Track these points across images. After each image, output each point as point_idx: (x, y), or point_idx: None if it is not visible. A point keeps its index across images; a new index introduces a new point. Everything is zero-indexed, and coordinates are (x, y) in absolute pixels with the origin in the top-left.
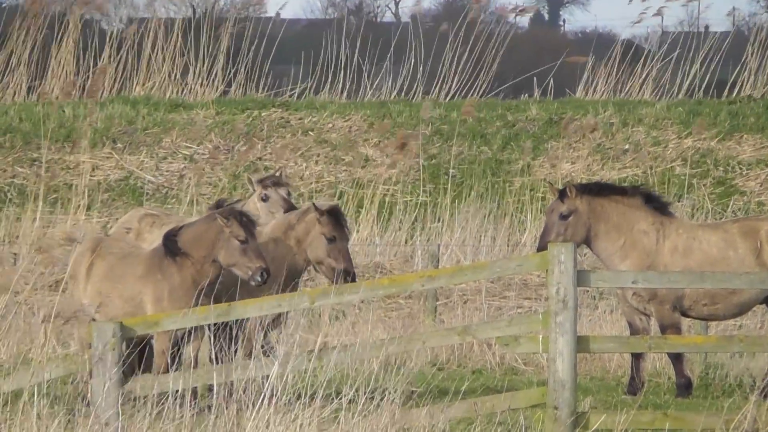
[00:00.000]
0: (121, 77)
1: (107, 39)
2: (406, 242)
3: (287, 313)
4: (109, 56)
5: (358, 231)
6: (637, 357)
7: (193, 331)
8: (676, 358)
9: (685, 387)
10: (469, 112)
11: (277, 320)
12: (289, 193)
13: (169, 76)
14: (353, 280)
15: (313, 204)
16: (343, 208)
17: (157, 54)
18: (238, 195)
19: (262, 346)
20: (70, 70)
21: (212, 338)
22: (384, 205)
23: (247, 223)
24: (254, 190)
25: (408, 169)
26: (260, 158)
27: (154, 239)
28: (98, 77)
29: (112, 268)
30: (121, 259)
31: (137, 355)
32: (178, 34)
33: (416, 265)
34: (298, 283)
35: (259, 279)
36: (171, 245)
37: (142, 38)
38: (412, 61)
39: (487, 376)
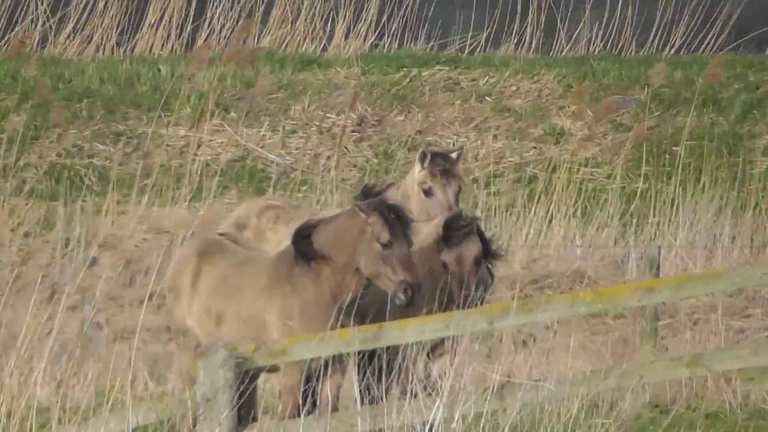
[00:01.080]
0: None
1: None
2: (615, 243)
3: (456, 338)
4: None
5: (549, 227)
6: None
7: (331, 363)
8: None
9: None
10: (714, 76)
11: (442, 347)
12: (459, 191)
13: (306, 23)
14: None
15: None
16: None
17: None
18: (393, 179)
19: (423, 383)
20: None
21: (357, 371)
22: (586, 193)
23: (395, 220)
24: (421, 168)
25: (617, 146)
26: (419, 132)
27: (279, 239)
28: (240, 33)
29: (225, 278)
30: (236, 266)
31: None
32: None
33: (630, 273)
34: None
35: (402, 297)
36: (304, 247)
37: None
38: (619, 3)
39: (725, 421)
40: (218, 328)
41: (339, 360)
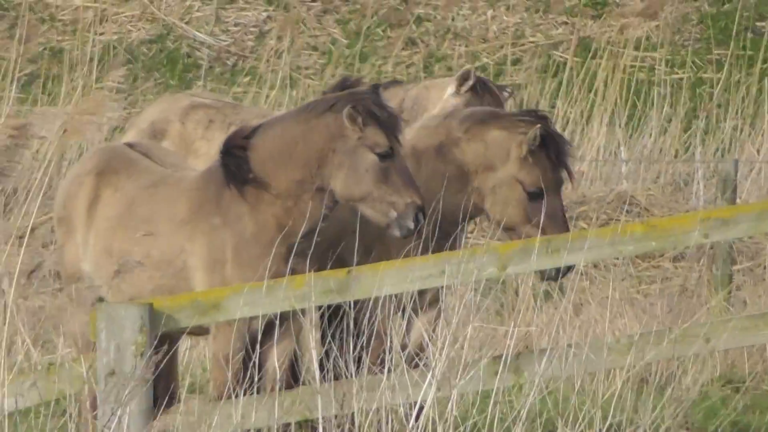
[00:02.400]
0: None
1: None
2: (675, 156)
3: (448, 289)
4: None
5: (584, 133)
6: None
7: (279, 323)
8: None
9: None
10: None
11: (431, 301)
12: (511, 93)
13: None
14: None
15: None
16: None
17: None
18: (374, 71)
19: (409, 352)
20: None
21: (314, 335)
22: (635, 87)
23: (391, 121)
24: (455, 92)
25: (680, 20)
26: (404, 1)
27: (210, 151)
28: None
29: (132, 206)
30: (147, 189)
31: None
32: None
33: (695, 198)
34: (457, 241)
35: (411, 225)
36: (237, 163)
37: None
38: None
39: None
40: (125, 274)
41: (291, 318)
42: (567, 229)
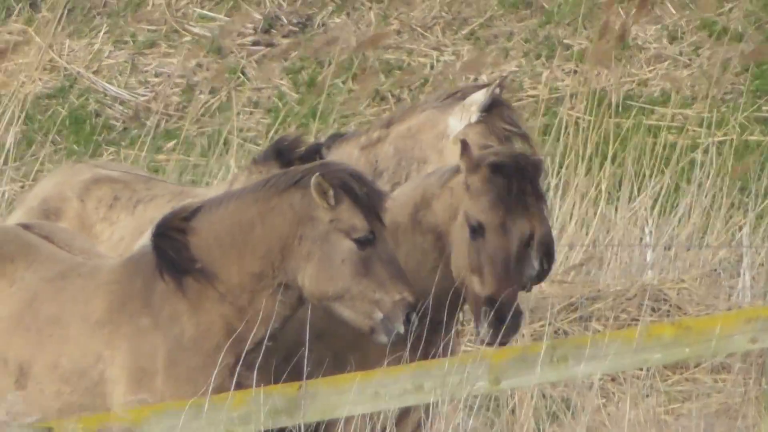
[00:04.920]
0: None
1: None
2: (716, 240)
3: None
4: None
5: (599, 208)
6: None
7: None
8: None
9: None
10: None
11: (413, 427)
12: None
13: None
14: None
15: (463, 141)
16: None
17: None
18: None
19: None
20: None
21: None
22: (663, 151)
23: (373, 197)
24: (477, 115)
25: (718, 66)
26: (371, 41)
27: (118, 238)
28: None
29: (32, 303)
30: (54, 281)
31: None
32: None
33: (740, 293)
34: (449, 330)
35: (401, 328)
36: (176, 247)
37: None
38: None
39: None
40: (22, 389)
41: None
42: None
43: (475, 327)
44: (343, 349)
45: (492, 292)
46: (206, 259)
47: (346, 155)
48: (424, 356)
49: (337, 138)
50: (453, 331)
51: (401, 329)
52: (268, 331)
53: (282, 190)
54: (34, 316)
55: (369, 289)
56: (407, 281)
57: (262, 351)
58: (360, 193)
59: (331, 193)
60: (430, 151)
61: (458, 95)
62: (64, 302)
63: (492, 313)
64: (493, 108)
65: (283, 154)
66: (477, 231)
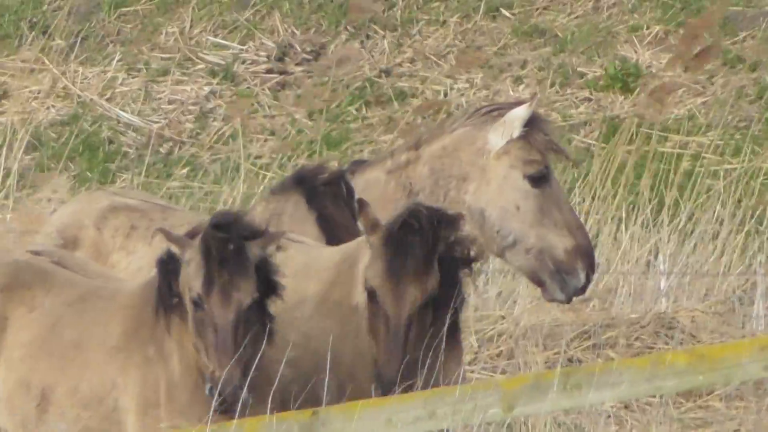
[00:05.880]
0: None
1: None
2: (730, 269)
3: None
4: None
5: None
6: None
7: None
8: None
9: None
10: None
11: None
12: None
13: None
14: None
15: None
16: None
17: None
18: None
19: None
20: None
21: None
22: (676, 178)
23: (225, 256)
24: (519, 131)
25: (732, 95)
26: (384, 72)
27: (136, 268)
28: None
29: (56, 326)
30: (75, 304)
31: None
32: None
33: (754, 320)
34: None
35: (207, 393)
36: (169, 281)
37: None
38: None
39: None
40: (42, 414)
41: None
42: None
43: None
44: (344, 377)
45: (379, 359)
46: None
47: (373, 180)
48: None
49: (360, 164)
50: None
51: (207, 395)
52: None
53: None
54: (58, 340)
55: (199, 350)
56: (227, 354)
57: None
58: (217, 250)
59: (181, 249)
60: (470, 168)
61: (494, 113)
62: (85, 325)
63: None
64: (533, 122)
65: (305, 181)
66: (372, 294)
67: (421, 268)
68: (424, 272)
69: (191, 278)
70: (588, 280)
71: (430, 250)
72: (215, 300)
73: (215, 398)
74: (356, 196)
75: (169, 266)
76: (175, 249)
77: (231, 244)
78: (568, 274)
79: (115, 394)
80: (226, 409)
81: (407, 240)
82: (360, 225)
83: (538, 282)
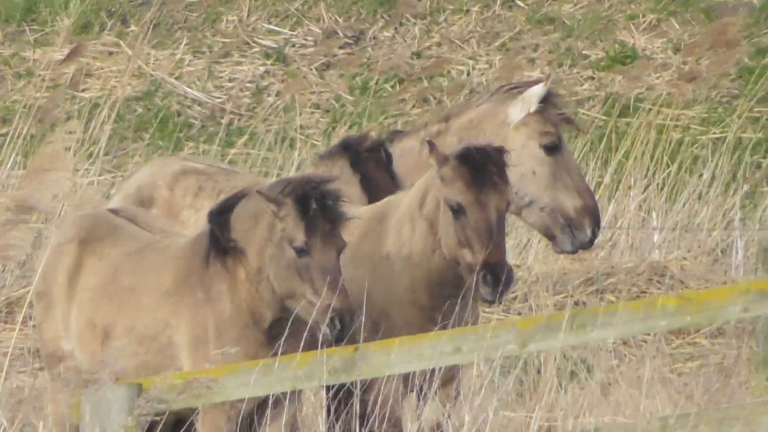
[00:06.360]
0: None
1: None
2: (714, 225)
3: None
4: None
5: (612, 198)
6: None
7: (272, 406)
8: None
9: None
10: None
11: (446, 380)
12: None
13: None
14: (501, 290)
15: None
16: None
17: None
18: (380, 128)
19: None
20: None
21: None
22: (669, 148)
23: (324, 209)
24: (535, 106)
25: (720, 75)
26: (416, 54)
27: (198, 222)
28: None
29: (116, 275)
30: (133, 255)
31: None
32: None
33: (734, 269)
34: (470, 312)
35: (328, 332)
36: (221, 232)
37: None
38: None
39: None
40: (105, 350)
41: (288, 400)
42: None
43: (476, 291)
44: (378, 317)
45: (484, 258)
46: (237, 244)
47: (409, 148)
48: (443, 327)
49: (397, 134)
50: (470, 303)
51: (327, 332)
52: (275, 314)
53: (269, 198)
54: (116, 285)
55: (304, 291)
56: (337, 287)
57: (286, 329)
58: (307, 208)
59: (280, 207)
60: (493, 138)
61: (514, 90)
62: (140, 273)
63: (489, 275)
64: (547, 99)
65: (350, 148)
66: (458, 211)
67: (498, 177)
68: (501, 182)
69: (291, 231)
70: (594, 236)
71: (499, 164)
72: (319, 246)
73: (334, 328)
74: (394, 161)
75: (219, 218)
76: (271, 206)
77: (329, 200)
78: (576, 229)
79: (168, 333)
80: (340, 337)
81: (479, 158)
82: (431, 161)
83: (550, 236)
